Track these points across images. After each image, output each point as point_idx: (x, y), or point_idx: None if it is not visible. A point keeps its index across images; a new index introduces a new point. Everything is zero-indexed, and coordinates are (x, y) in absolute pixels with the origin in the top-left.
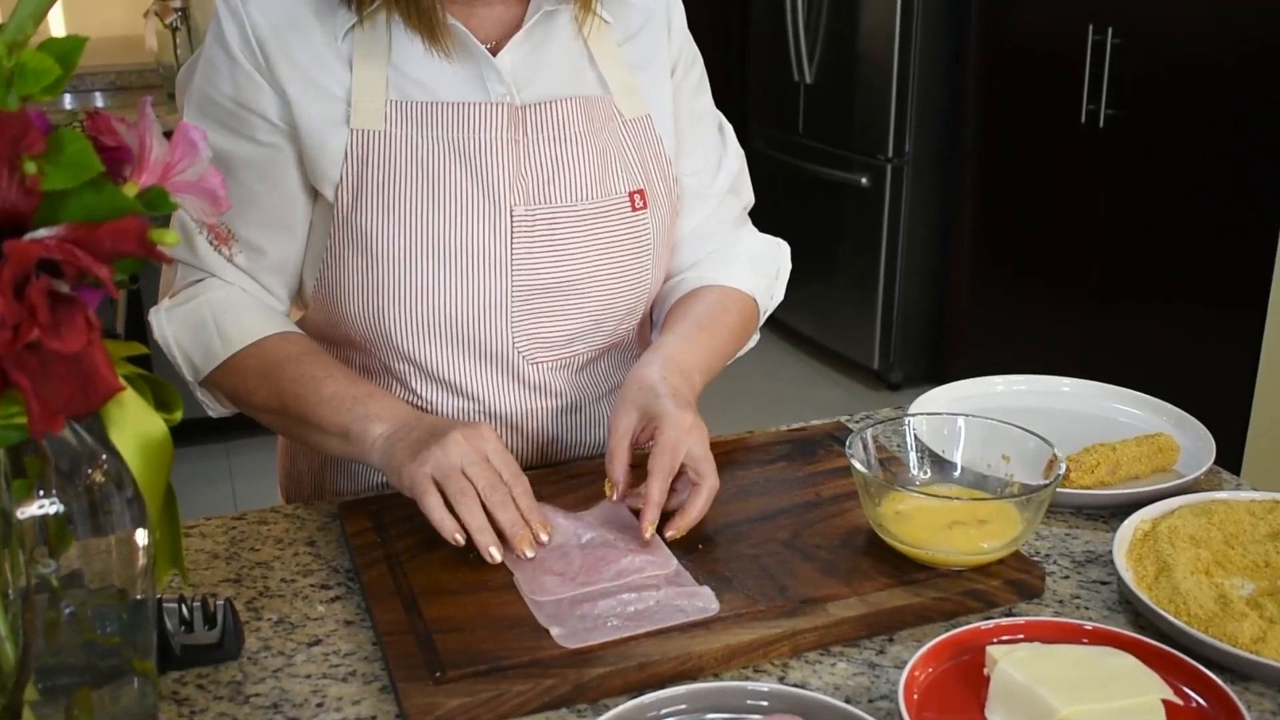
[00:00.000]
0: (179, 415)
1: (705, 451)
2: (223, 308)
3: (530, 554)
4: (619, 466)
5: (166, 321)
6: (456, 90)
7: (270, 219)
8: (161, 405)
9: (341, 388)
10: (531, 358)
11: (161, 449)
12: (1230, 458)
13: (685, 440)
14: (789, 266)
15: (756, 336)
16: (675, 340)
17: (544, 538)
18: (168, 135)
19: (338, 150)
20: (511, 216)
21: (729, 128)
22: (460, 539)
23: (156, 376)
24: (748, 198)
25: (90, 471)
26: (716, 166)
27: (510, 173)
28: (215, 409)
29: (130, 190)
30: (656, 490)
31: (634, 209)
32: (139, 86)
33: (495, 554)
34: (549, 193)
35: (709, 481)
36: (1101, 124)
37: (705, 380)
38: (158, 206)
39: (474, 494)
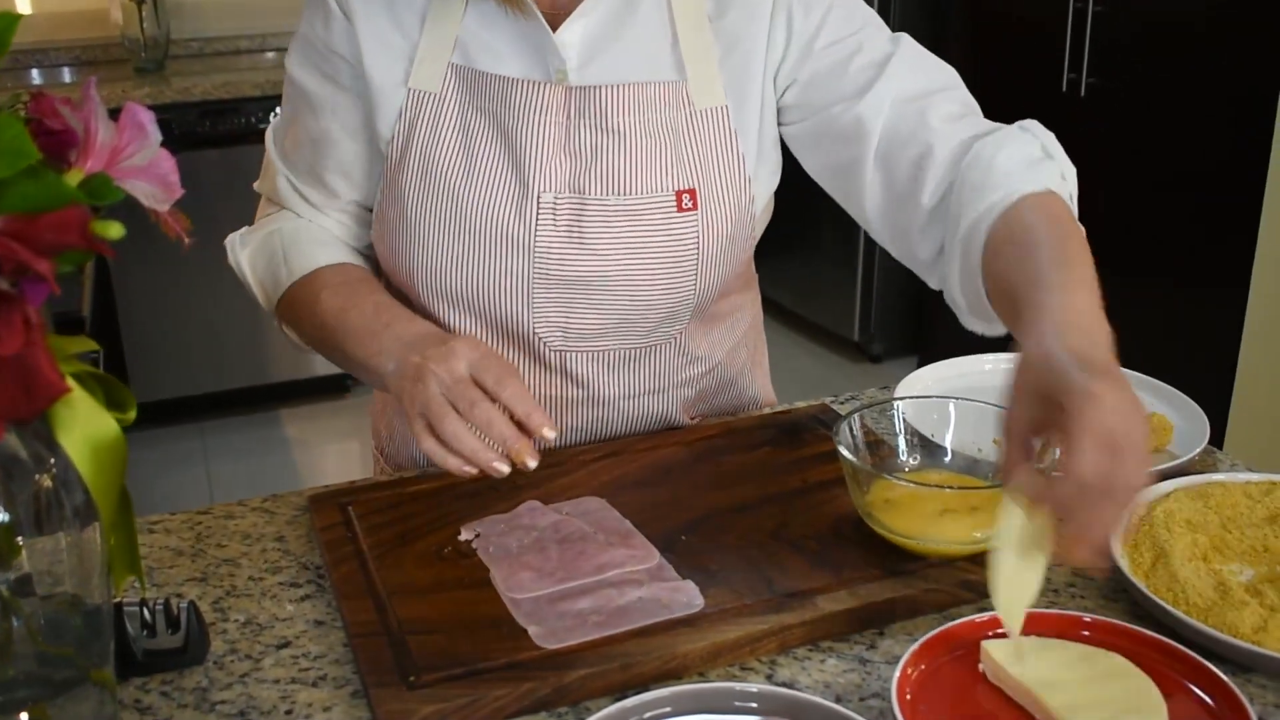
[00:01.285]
0: (132, 415)
1: (1127, 436)
2: (292, 238)
3: (532, 464)
4: (1022, 475)
5: (240, 247)
6: (520, 62)
7: (342, 164)
8: (114, 404)
9: (365, 319)
10: (553, 345)
11: (114, 450)
12: (1215, 430)
13: (1108, 420)
14: (1052, 136)
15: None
16: (1045, 294)
17: (550, 435)
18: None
19: (394, 108)
20: (538, 203)
21: (905, 45)
22: (470, 470)
23: (108, 375)
24: (954, 106)
25: (38, 477)
26: (860, 91)
27: (547, 158)
28: (298, 345)
29: (74, 177)
30: (1076, 502)
31: (680, 209)
32: (104, 61)
33: (501, 468)
34: (583, 183)
35: (1122, 479)
36: (1083, 93)
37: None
38: (101, 195)
39: (454, 417)
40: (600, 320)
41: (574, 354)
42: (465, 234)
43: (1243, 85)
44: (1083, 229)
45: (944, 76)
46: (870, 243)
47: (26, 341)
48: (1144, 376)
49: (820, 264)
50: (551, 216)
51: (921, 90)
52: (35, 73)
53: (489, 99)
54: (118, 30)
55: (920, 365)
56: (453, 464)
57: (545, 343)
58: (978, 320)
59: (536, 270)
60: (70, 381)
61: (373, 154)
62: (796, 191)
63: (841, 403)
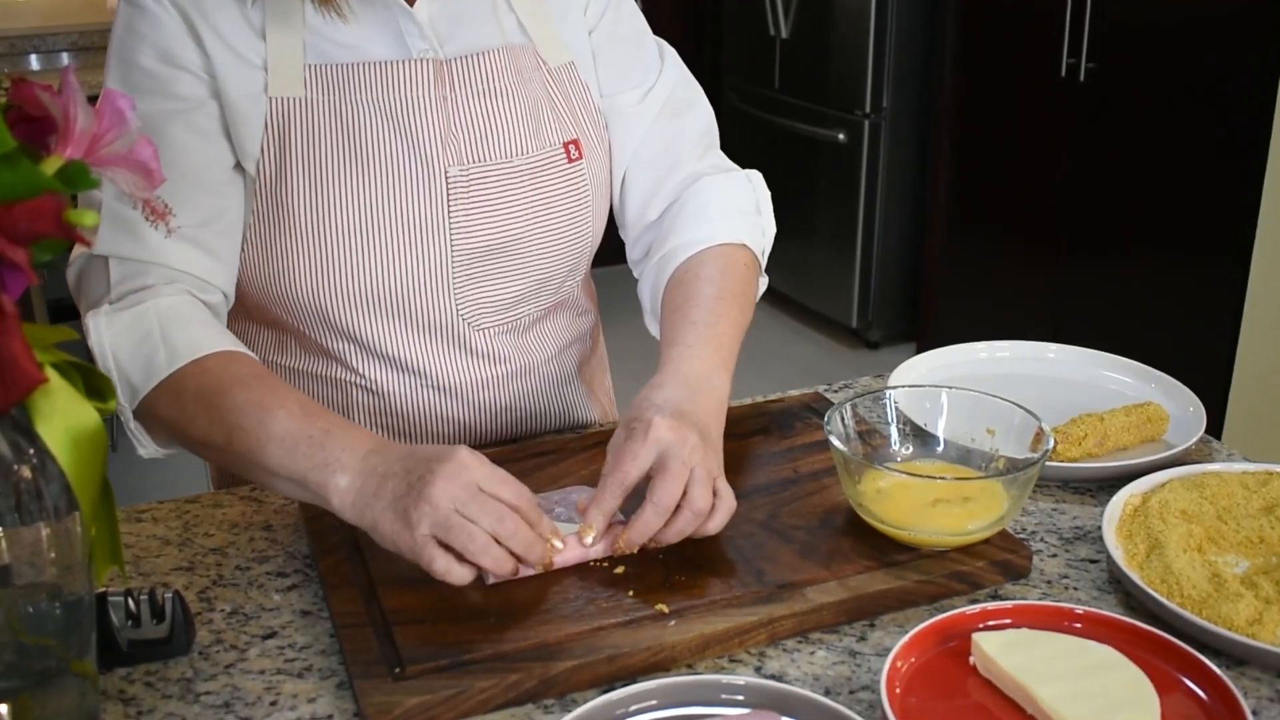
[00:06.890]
0: (113, 404)
1: (680, 464)
2: (171, 317)
3: (554, 564)
4: (601, 499)
5: (106, 326)
6: (378, 48)
7: (203, 169)
8: (94, 393)
9: (295, 424)
10: (476, 324)
11: (94, 440)
12: (1212, 417)
13: (647, 447)
14: (768, 195)
15: (765, 280)
16: (680, 350)
17: (559, 545)
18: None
19: (258, 122)
20: (446, 179)
21: (670, 53)
22: (484, 578)
23: (88, 364)
24: (701, 126)
25: (18, 467)
26: (645, 87)
27: (441, 132)
28: (147, 447)
29: (53, 165)
30: (604, 497)
31: (570, 160)
32: (102, 47)
33: (522, 571)
34: (483, 151)
35: (661, 496)
36: (1082, 78)
37: (729, 371)
38: (77, 183)
39: (478, 533)
40: (519, 286)
41: (493, 329)
42: (374, 229)
43: (1243, 70)
44: (755, 278)
45: (700, 99)
46: (869, 229)
47: (2, 331)
48: (1141, 365)
49: (818, 250)
50: (462, 189)
51: (684, 103)
52: (34, 58)
53: (364, 88)
54: (113, 16)
55: (918, 352)
56: (462, 576)
57: (468, 323)
58: (655, 325)
59: (455, 248)
60: (49, 371)
61: (233, 164)
62: (793, 176)
63: (835, 391)
